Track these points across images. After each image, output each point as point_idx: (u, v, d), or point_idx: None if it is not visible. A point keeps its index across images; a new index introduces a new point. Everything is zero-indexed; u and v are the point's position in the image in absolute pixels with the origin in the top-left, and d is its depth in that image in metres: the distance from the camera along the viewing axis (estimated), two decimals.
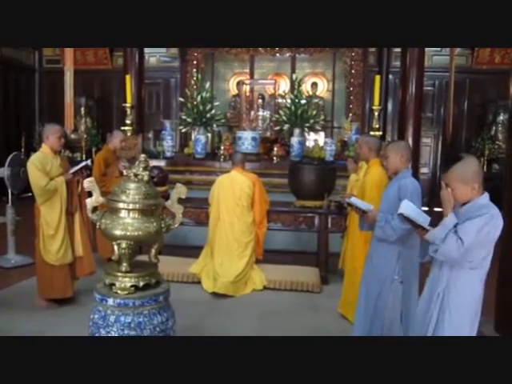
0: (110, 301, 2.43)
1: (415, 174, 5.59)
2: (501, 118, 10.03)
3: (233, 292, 4.87)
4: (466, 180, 2.27)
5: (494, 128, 10.22)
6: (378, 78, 7.15)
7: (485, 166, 9.58)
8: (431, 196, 9.84)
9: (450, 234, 2.23)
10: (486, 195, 2.31)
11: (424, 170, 10.42)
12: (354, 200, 3.36)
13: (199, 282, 5.09)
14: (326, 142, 7.54)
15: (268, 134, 8.22)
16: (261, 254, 5.29)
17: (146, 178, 2.50)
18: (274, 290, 5.04)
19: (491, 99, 10.28)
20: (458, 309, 2.29)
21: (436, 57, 10.50)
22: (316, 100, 10.48)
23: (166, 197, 2.72)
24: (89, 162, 4.50)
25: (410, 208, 2.52)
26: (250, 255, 5.12)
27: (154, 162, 6.58)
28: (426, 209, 7.71)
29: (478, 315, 2.35)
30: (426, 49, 7.98)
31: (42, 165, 4.18)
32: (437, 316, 2.35)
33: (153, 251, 2.61)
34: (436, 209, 9.60)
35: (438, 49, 10.41)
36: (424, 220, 2.47)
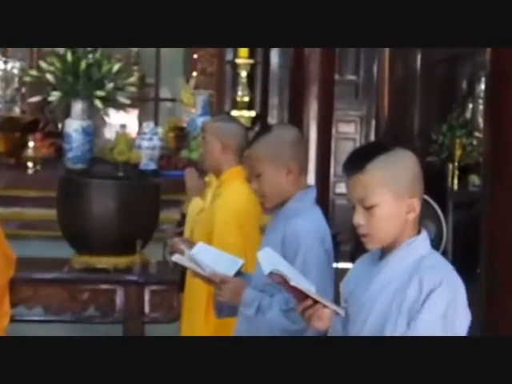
0: None
1: (322, 195, 3.64)
2: None
3: None
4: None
5: None
6: None
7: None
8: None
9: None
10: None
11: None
12: (196, 255, 1.85)
13: None
14: (143, 132, 4.34)
15: (16, 111, 5.04)
16: None
17: None
18: None
19: None
20: None
21: None
22: None
23: None
24: None
25: (276, 261, 1.53)
26: None
27: None
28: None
29: None
30: None
31: None
32: None
33: None
34: None
35: None
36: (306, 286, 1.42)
